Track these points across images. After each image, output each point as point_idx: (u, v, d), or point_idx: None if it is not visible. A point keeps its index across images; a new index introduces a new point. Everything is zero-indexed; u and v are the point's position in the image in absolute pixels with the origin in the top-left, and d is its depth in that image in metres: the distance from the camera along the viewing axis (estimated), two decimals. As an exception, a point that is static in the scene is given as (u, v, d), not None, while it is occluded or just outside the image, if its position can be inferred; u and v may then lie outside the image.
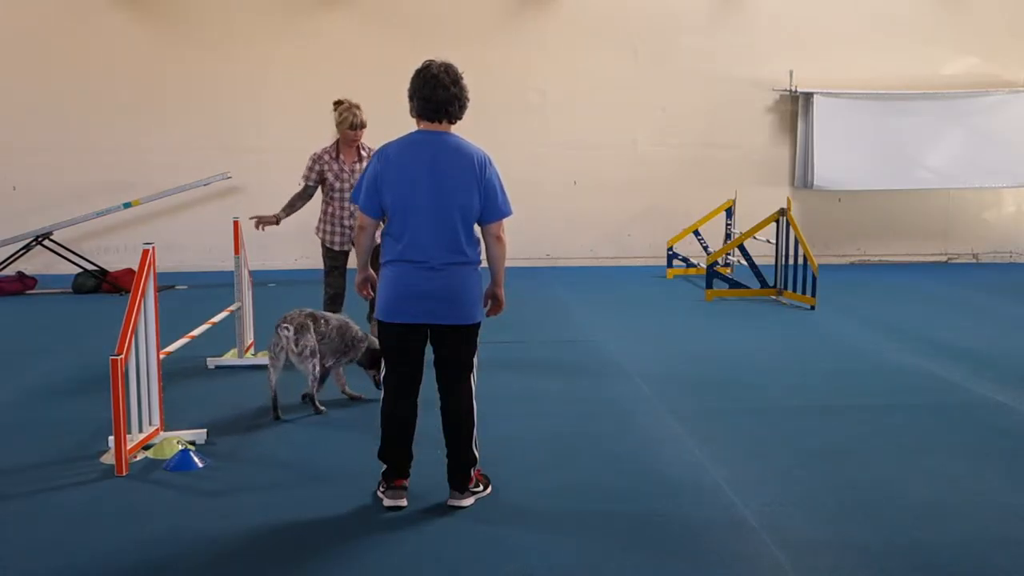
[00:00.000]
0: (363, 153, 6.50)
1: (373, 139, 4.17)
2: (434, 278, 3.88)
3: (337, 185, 6.44)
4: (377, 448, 4.12)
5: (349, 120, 6.35)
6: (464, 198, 3.88)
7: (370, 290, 4.20)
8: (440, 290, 3.89)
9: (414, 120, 4.03)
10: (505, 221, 4.02)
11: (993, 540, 3.71)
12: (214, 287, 9.72)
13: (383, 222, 4.07)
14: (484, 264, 4.08)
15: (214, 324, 6.25)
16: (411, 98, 3.96)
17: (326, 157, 6.51)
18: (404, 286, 3.91)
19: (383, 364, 4.11)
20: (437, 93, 3.88)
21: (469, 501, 4.06)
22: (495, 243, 4.00)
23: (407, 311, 3.92)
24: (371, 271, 4.19)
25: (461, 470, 4.06)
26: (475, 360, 4.09)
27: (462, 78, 3.95)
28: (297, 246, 12.39)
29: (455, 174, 3.88)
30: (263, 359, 6.65)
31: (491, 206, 3.94)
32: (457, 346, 4.01)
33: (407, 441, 4.09)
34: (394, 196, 3.90)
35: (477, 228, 4.02)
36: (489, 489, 4.18)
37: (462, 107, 3.97)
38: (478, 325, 4.04)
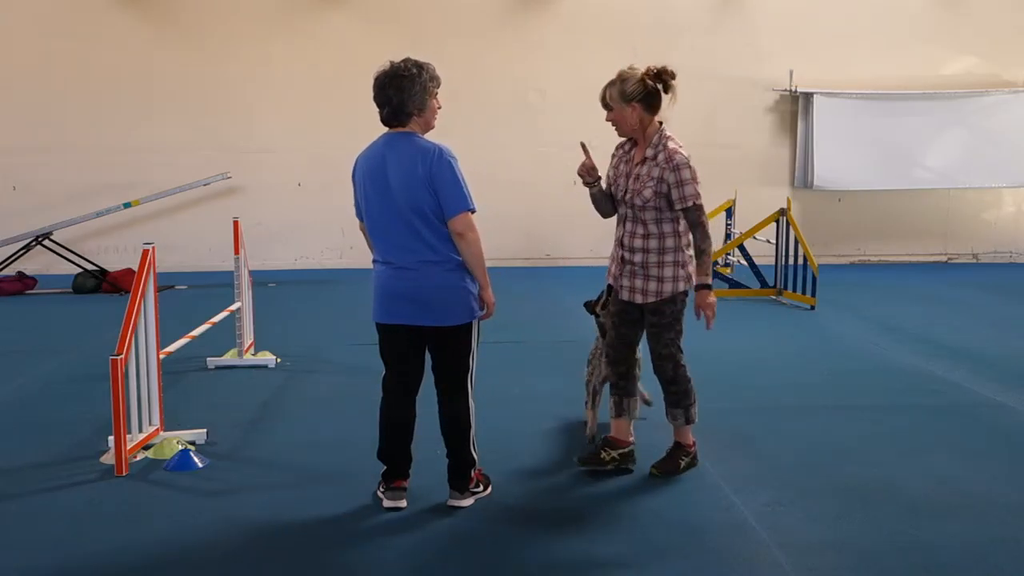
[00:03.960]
0: (659, 151, 4.30)
1: (367, 143, 4.11)
2: (405, 278, 3.89)
3: (612, 190, 4.49)
4: (376, 449, 4.13)
5: (601, 94, 4.37)
6: (414, 196, 3.80)
7: None
8: (412, 291, 3.88)
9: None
10: (474, 217, 3.85)
11: (993, 540, 3.71)
12: (214, 287, 9.72)
13: None
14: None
15: (214, 324, 6.25)
16: None
17: (617, 150, 4.56)
18: (382, 287, 3.96)
19: (386, 364, 4.11)
20: (377, 96, 3.88)
21: (469, 501, 4.06)
22: (459, 241, 3.83)
23: (389, 312, 3.96)
24: None
25: (460, 471, 4.06)
26: (471, 361, 4.05)
27: (407, 76, 3.79)
28: (297, 246, 12.42)
29: (403, 173, 3.83)
30: (263, 359, 6.68)
31: (445, 201, 3.80)
32: (445, 347, 3.99)
33: (406, 442, 4.10)
34: (359, 200, 3.98)
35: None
36: (489, 489, 4.18)
37: (396, 109, 3.82)
38: (467, 327, 3.96)
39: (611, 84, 4.30)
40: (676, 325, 4.48)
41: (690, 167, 4.26)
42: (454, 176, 3.81)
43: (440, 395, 4.08)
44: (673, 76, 4.29)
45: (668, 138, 4.34)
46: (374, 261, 4.02)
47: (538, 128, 12.38)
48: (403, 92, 3.82)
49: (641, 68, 4.26)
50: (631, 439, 4.58)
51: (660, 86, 4.25)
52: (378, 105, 3.91)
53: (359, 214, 4.05)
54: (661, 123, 4.35)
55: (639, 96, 4.22)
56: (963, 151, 12.68)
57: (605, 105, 4.35)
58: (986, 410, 5.58)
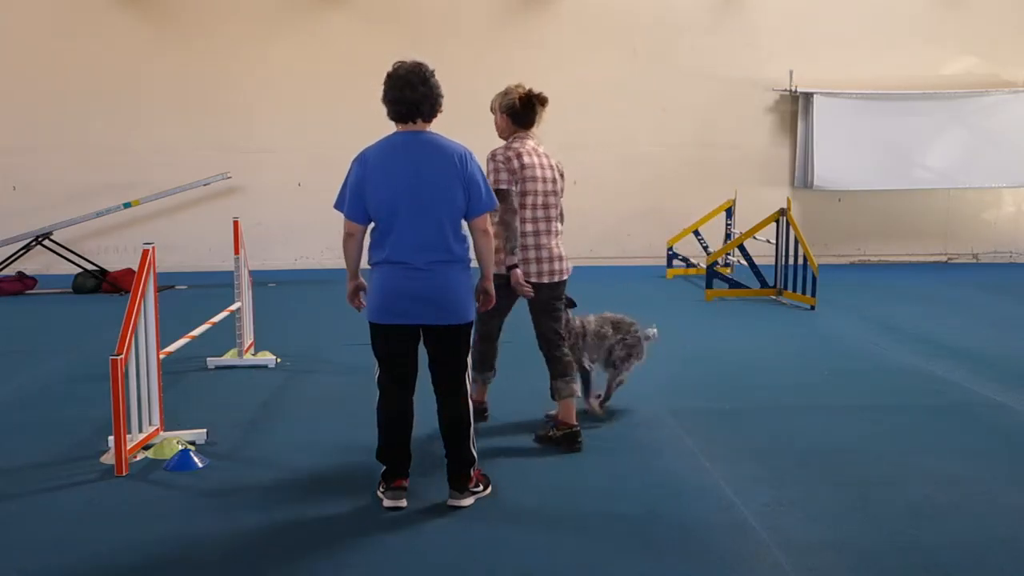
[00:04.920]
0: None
1: (368, 143, 4.12)
2: (421, 278, 3.89)
3: None
4: (375, 449, 4.13)
5: None
6: (448, 196, 3.88)
7: (361, 300, 4.17)
8: (427, 290, 3.89)
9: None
10: (490, 214, 4.03)
11: (993, 540, 3.71)
12: (214, 287, 9.72)
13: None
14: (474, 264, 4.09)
15: (214, 324, 6.25)
16: (384, 102, 3.96)
17: None
18: (392, 288, 3.92)
19: (376, 365, 4.11)
20: (405, 94, 3.88)
21: (469, 501, 4.06)
22: (483, 237, 4.00)
23: (396, 312, 3.93)
24: (361, 279, 4.18)
25: (460, 470, 4.06)
26: (469, 359, 4.10)
27: (432, 76, 3.94)
28: (297, 246, 12.42)
29: (438, 173, 3.88)
30: (263, 359, 6.68)
31: (475, 201, 3.94)
32: (448, 346, 4.01)
33: (404, 441, 4.09)
34: (378, 200, 3.90)
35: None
36: (489, 489, 4.18)
37: (434, 105, 3.95)
38: (470, 324, 4.04)
39: (499, 93, 5.04)
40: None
41: (491, 160, 4.78)
42: (484, 175, 4.01)
43: (440, 395, 4.08)
44: (543, 103, 5.02)
45: (510, 142, 4.93)
46: (377, 262, 3.96)
47: (538, 128, 12.36)
48: (437, 88, 3.94)
49: (526, 89, 4.99)
50: (486, 403, 5.28)
51: (529, 108, 4.95)
52: (408, 101, 3.88)
53: (353, 214, 3.96)
54: (524, 136, 4.97)
55: (507, 110, 4.95)
56: (963, 151, 12.68)
57: (491, 109, 5.09)
58: (986, 410, 5.58)
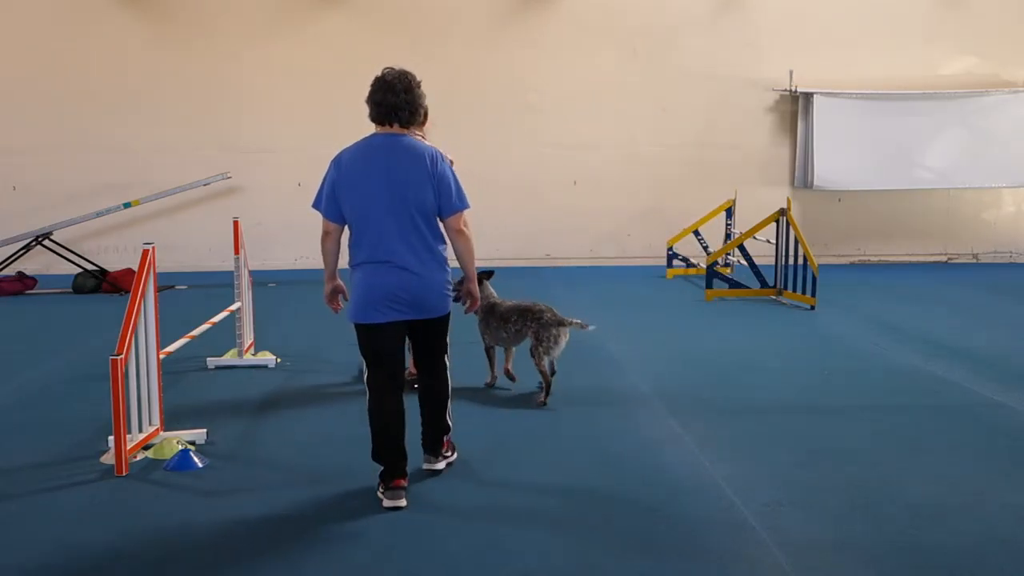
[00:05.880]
0: None
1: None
2: (400, 276, 3.98)
3: None
4: (371, 450, 4.15)
5: None
6: (418, 194, 3.96)
7: (340, 301, 4.25)
8: (407, 288, 3.99)
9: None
10: (467, 215, 4.11)
11: (993, 540, 3.71)
12: (214, 287, 9.72)
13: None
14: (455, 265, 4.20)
15: (214, 324, 6.25)
16: (367, 102, 4.06)
17: None
18: (373, 287, 4.00)
19: (364, 365, 4.20)
20: (387, 98, 3.98)
21: (441, 465, 4.38)
22: (457, 237, 4.11)
23: (379, 312, 4.01)
24: (340, 281, 4.22)
25: (436, 436, 4.32)
26: (447, 341, 4.32)
27: (418, 86, 4.05)
28: (297, 246, 12.42)
29: (407, 172, 3.97)
30: (263, 359, 6.68)
31: (446, 200, 4.03)
32: (429, 337, 4.21)
33: (398, 440, 4.13)
34: (353, 200, 3.98)
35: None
36: (456, 454, 4.51)
37: (414, 112, 4.04)
38: (447, 316, 4.21)
39: None
40: None
41: None
42: (454, 175, 4.08)
43: (424, 374, 4.31)
44: None
45: None
46: (358, 263, 4.02)
47: (538, 128, 12.39)
48: (419, 97, 4.06)
49: None
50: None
51: None
52: (388, 104, 3.98)
53: (329, 213, 4.04)
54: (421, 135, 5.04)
55: None
56: (963, 151, 12.68)
57: None
58: (986, 410, 5.58)
